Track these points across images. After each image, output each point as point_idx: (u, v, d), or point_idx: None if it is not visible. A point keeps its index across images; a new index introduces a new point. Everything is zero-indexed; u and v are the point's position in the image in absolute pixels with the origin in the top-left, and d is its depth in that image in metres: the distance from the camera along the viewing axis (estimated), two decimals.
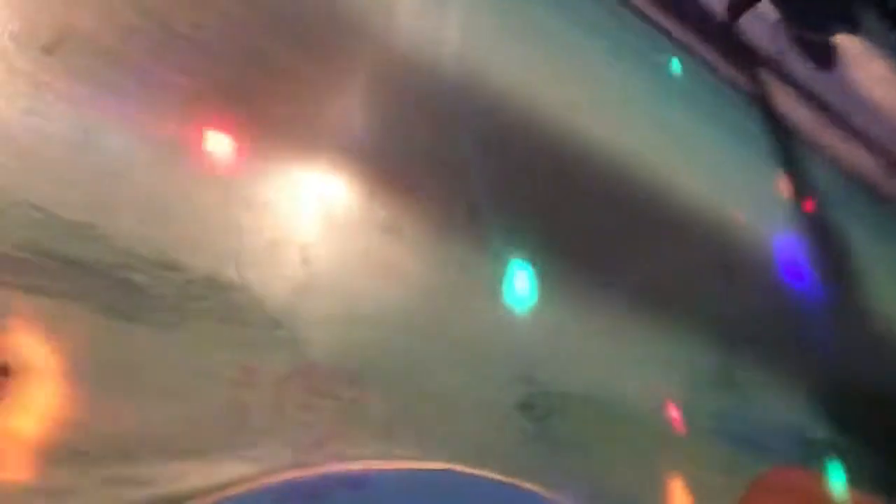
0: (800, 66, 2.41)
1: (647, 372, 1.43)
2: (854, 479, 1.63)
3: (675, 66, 1.91)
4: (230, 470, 0.82)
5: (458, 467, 0.99)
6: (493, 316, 1.20)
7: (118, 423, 0.78)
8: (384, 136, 1.23)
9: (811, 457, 1.68)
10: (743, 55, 2.18)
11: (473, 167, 1.34)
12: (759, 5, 2.29)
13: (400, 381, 1.03)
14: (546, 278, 1.32)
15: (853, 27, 2.89)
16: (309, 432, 0.91)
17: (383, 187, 1.18)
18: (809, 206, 2.17)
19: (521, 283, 1.27)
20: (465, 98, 1.40)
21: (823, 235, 2.15)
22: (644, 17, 1.94)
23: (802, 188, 2.16)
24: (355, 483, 0.87)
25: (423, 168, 1.27)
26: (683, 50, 2.00)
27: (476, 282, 1.23)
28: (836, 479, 1.60)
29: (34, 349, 0.75)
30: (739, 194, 1.92)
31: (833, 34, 2.72)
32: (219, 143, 1.03)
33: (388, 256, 1.14)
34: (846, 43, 2.78)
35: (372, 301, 1.08)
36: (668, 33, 1.98)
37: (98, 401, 0.78)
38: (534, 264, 1.32)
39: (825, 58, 2.60)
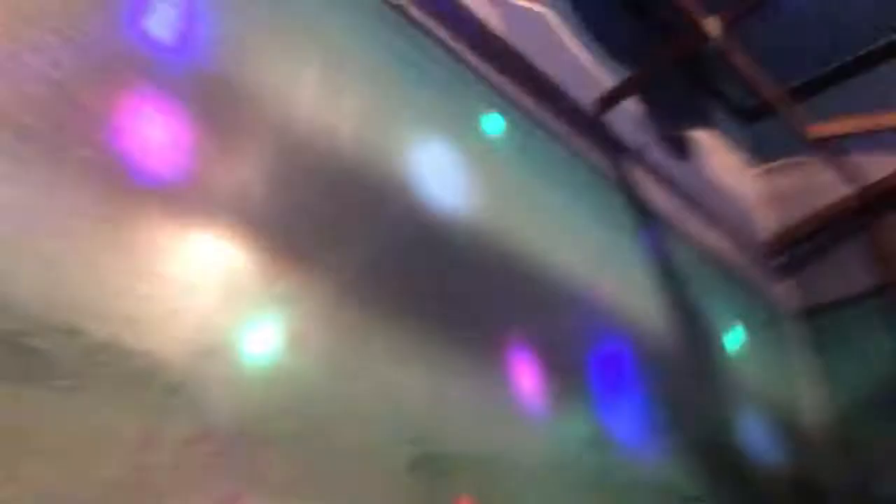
0: (661, 157, 2.68)
1: (530, 432, 1.52)
2: None
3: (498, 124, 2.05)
4: None
5: None
6: (386, 380, 1.27)
7: (18, 486, 0.79)
8: (283, 212, 1.30)
9: None
10: (610, 146, 2.40)
11: (364, 240, 1.42)
12: (625, 102, 2.55)
13: (298, 443, 1.08)
14: (431, 345, 1.40)
15: (707, 122, 3.24)
16: (210, 493, 0.94)
17: (281, 259, 1.24)
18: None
19: (405, 344, 1.35)
20: (359, 176, 1.49)
21: (680, 308, 2.37)
22: (521, 108, 2.11)
23: (662, 265, 2.38)
24: None
25: (318, 241, 1.33)
26: (556, 139, 2.19)
27: (369, 347, 1.29)
28: None
29: None
30: (605, 269, 2.09)
31: (690, 129, 3.04)
32: (121, 213, 1.07)
33: (285, 324, 1.19)
34: (702, 136, 3.11)
35: (270, 367, 1.12)
36: (543, 123, 2.16)
37: None
38: (418, 330, 1.40)
39: (683, 149, 2.90)
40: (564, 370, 1.76)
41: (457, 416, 1.38)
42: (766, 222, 3.31)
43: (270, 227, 1.26)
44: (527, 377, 1.63)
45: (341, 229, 1.39)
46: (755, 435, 2.42)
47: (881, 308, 2.93)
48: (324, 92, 1.50)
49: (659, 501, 1.79)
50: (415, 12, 1.86)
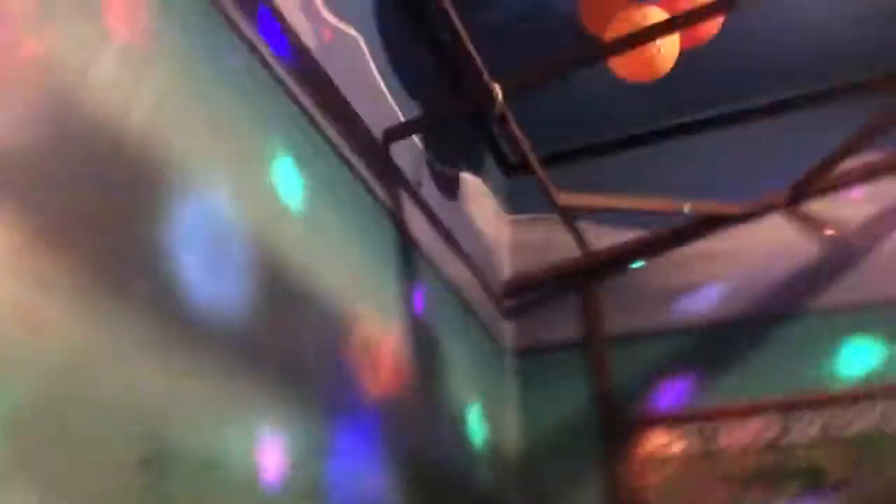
0: (431, 193, 2.90)
1: (262, 435, 1.61)
2: None
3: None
4: None
5: None
6: (126, 370, 1.28)
7: None
8: (42, 192, 1.24)
9: None
10: (390, 176, 2.57)
11: (131, 229, 1.41)
12: (412, 137, 2.74)
13: (35, 431, 1.07)
14: (175, 338, 1.43)
15: (478, 169, 3.56)
16: None
17: (37, 242, 1.19)
18: (418, 307, 2.61)
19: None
20: (137, 161, 1.47)
21: (420, 334, 2.60)
22: (314, 124, 2.19)
23: (414, 297, 2.60)
24: None
25: (81, 226, 1.30)
26: (343, 162, 2.30)
27: (111, 335, 1.29)
28: None
29: None
30: (366, 293, 2.25)
31: (461, 171, 3.32)
32: None
33: (37, 310, 1.16)
34: (469, 180, 3.40)
35: (17, 352, 1.09)
36: (332, 143, 2.26)
37: None
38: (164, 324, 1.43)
39: (451, 190, 3.16)
40: (306, 380, 1.87)
41: (193, 415, 1.42)
42: (508, 268, 3.70)
43: (28, 210, 1.20)
44: (267, 383, 1.71)
45: (106, 211, 1.36)
46: (464, 458, 2.72)
47: (582, 358, 3.44)
48: (119, 69, 1.45)
49: None
50: (229, 9, 1.86)
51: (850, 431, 2.97)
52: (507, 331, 3.57)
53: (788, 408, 3.09)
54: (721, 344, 3.34)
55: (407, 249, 2.62)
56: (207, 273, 1.56)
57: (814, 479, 2.92)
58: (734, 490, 3.00)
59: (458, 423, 2.75)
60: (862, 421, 2.98)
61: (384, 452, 2.13)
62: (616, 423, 3.26)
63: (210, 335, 1.54)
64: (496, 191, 3.78)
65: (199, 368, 1.48)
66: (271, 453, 1.64)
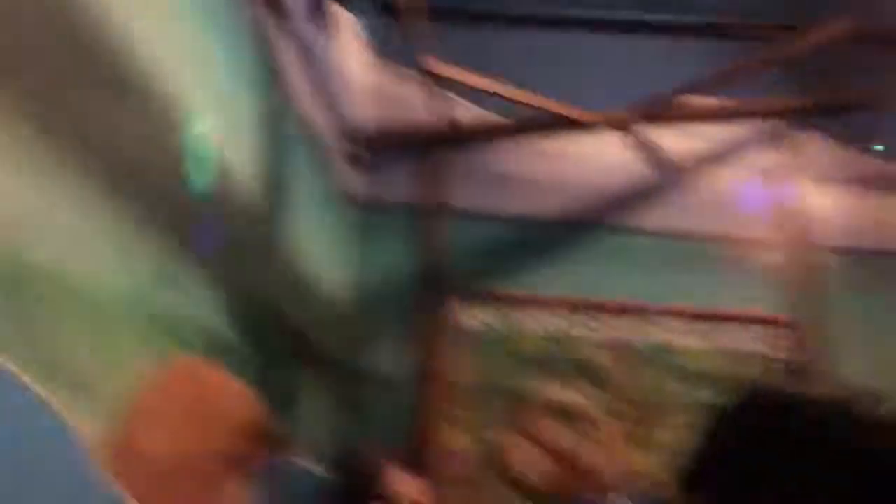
0: (306, 26, 2.75)
1: (115, 252, 1.54)
2: (246, 375, 2.07)
3: None
4: None
5: None
6: None
7: None
8: None
9: (218, 352, 2.03)
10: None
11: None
12: None
13: None
14: (37, 147, 1.32)
15: (357, 11, 3.39)
16: None
17: None
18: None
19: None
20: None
21: (272, 171, 2.55)
22: None
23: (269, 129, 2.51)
24: None
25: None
26: None
27: None
28: (233, 374, 1.95)
29: None
30: (222, 121, 2.14)
31: (339, 9, 3.16)
32: None
33: None
34: (347, 20, 3.25)
35: None
36: None
37: None
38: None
39: (326, 27, 3.01)
40: (162, 202, 1.78)
41: (59, 233, 1.34)
42: (368, 117, 3.65)
43: None
44: (128, 208, 1.62)
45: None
46: (295, 298, 2.78)
47: (419, 218, 3.56)
48: None
49: (202, 339, 1.97)
50: None
51: (634, 340, 3.43)
52: (355, 181, 3.58)
53: (587, 308, 3.47)
54: (542, 238, 3.60)
55: (271, 79, 2.50)
56: (82, 84, 1.41)
57: (594, 374, 3.35)
58: (524, 371, 3.35)
59: (293, 264, 2.78)
60: (644, 333, 3.44)
61: (223, 285, 2.12)
62: (433, 292, 3.46)
63: (80, 154, 1.42)
64: (371, 38, 3.65)
65: (64, 184, 1.37)
66: (125, 270, 1.58)
